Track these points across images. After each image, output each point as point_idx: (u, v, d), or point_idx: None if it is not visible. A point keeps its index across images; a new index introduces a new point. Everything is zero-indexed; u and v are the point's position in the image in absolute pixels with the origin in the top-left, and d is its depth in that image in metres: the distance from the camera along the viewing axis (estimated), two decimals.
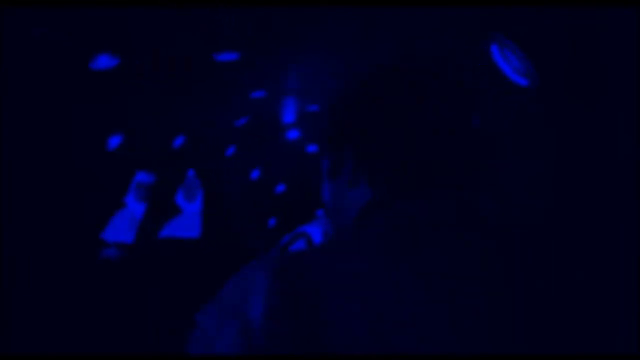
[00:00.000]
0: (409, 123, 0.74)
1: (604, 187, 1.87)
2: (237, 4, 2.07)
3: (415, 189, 0.73)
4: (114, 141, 2.69)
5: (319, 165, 0.85)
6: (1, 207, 2.11)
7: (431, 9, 1.98)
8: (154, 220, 2.99)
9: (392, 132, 0.74)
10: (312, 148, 4.34)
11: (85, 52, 2.21)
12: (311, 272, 0.64)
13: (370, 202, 0.74)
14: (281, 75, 3.17)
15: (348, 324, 0.61)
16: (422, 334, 0.61)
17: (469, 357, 0.62)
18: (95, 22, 2.08)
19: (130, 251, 2.81)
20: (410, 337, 0.61)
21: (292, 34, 2.48)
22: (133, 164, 2.93)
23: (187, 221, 3.23)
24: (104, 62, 2.25)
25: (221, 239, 3.31)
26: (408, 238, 0.67)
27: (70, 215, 2.39)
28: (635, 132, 1.79)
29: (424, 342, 0.61)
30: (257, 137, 3.87)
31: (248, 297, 0.63)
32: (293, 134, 4.16)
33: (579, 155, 1.96)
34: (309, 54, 2.70)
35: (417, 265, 0.65)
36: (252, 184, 4.23)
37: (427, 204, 0.71)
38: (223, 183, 3.77)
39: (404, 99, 0.76)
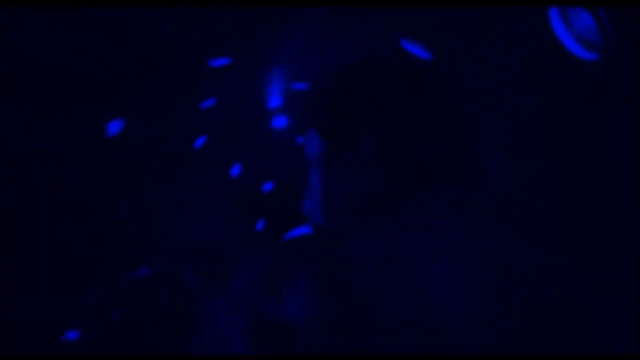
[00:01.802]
0: (410, 120, 0.74)
1: (604, 187, 1.87)
2: None
3: (416, 186, 0.73)
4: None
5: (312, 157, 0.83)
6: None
7: (431, 9, 1.98)
8: None
9: (392, 129, 0.74)
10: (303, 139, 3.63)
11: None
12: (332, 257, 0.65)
13: (372, 197, 0.74)
14: (262, 45, 2.59)
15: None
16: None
17: (469, 357, 0.62)
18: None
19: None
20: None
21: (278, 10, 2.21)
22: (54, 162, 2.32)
23: None
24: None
25: (200, 248, 2.98)
26: (411, 235, 0.67)
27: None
28: (635, 132, 1.79)
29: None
30: (233, 124, 3.12)
31: (259, 289, 0.64)
32: (280, 122, 3.36)
33: (579, 155, 1.96)
34: (297, 24, 2.40)
35: (419, 266, 0.65)
36: (232, 182, 3.44)
37: (428, 201, 0.71)
38: (192, 182, 3.08)
39: (405, 98, 0.76)
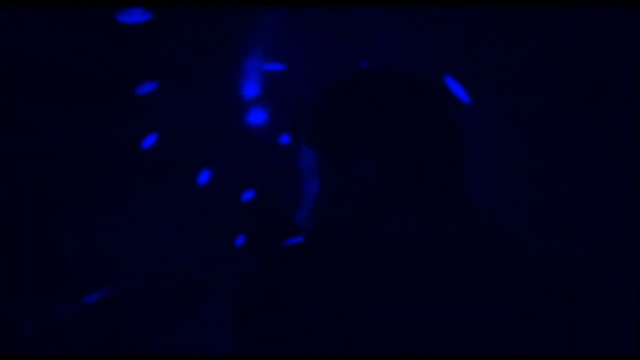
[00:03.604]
0: (409, 123, 0.74)
1: (604, 187, 1.87)
2: None
3: (412, 189, 0.73)
4: None
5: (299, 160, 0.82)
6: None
7: (430, 9, 1.98)
8: None
9: (391, 132, 0.74)
10: (288, 138, 2.88)
11: None
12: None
13: (367, 202, 0.73)
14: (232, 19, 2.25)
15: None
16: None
17: (469, 357, 0.62)
18: None
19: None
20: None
21: None
22: None
23: None
24: None
25: (169, 269, 2.53)
26: (406, 240, 0.67)
27: None
28: (635, 132, 1.79)
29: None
30: (195, 119, 2.58)
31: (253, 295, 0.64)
32: (257, 117, 2.76)
33: (579, 155, 1.96)
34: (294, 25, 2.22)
35: (414, 269, 0.65)
36: (202, 190, 2.83)
37: (426, 205, 0.71)
38: (147, 190, 2.58)
39: (405, 100, 0.76)
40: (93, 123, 2.40)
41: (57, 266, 2.30)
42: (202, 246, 2.70)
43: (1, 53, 2.01)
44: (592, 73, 1.91)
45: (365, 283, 0.63)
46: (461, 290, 0.64)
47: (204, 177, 2.81)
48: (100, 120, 2.41)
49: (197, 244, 2.68)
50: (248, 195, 2.96)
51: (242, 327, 0.64)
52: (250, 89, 2.59)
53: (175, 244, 2.59)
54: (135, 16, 2.07)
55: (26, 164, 2.25)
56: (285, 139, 2.79)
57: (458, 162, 0.76)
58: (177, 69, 2.43)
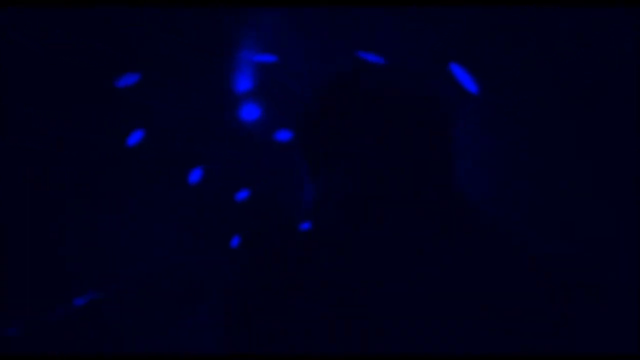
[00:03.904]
0: (408, 123, 0.74)
1: (604, 187, 1.87)
2: None
3: (412, 189, 0.73)
4: None
5: (293, 160, 0.82)
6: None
7: (430, 9, 1.98)
8: None
9: (390, 131, 0.74)
10: (283, 135, 2.67)
11: None
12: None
13: (366, 202, 0.74)
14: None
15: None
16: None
17: (469, 357, 0.62)
18: None
19: None
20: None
21: None
22: None
23: None
24: None
25: (169, 269, 2.49)
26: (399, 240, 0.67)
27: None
28: (636, 132, 1.80)
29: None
30: (193, 117, 2.47)
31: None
32: (251, 112, 2.62)
33: (579, 155, 1.96)
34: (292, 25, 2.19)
35: (407, 270, 0.65)
36: (200, 189, 2.72)
37: (425, 204, 0.71)
38: (146, 190, 2.51)
39: (401, 100, 0.76)
40: (93, 123, 2.40)
41: (57, 266, 2.31)
42: (201, 246, 2.68)
43: (1, 53, 2.02)
44: (592, 73, 1.91)
45: (365, 283, 0.63)
46: (461, 290, 0.64)
47: (202, 176, 2.76)
48: (100, 120, 2.41)
49: (197, 243, 2.66)
50: (245, 194, 2.89)
51: (241, 326, 0.64)
52: (244, 83, 2.51)
53: (175, 243, 2.56)
54: None
55: (26, 164, 2.25)
56: (280, 135, 2.70)
57: (457, 161, 0.76)
58: (176, 67, 2.41)
